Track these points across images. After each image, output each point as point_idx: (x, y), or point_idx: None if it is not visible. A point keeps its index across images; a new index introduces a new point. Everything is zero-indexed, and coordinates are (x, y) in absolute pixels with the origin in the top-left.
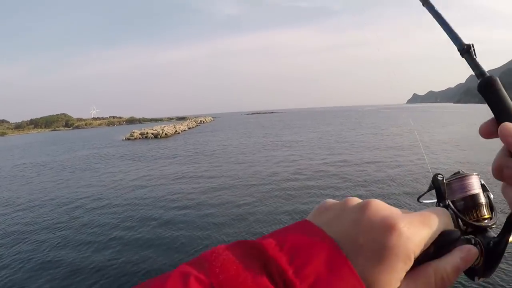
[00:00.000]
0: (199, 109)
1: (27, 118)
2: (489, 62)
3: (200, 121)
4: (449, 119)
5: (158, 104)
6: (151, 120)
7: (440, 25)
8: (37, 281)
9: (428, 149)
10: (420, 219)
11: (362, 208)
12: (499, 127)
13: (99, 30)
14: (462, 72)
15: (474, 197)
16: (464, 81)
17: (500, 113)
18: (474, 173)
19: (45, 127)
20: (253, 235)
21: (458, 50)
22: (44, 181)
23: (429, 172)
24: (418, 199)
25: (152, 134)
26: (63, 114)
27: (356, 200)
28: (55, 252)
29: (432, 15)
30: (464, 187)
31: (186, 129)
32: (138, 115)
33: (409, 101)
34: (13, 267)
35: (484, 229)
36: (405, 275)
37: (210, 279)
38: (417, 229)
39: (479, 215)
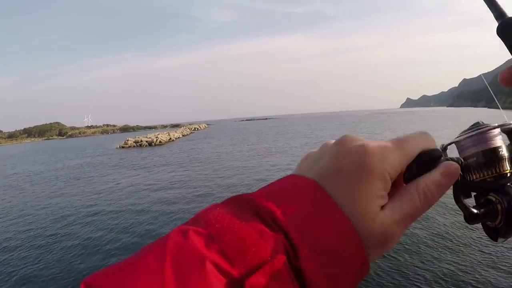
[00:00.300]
0: (193, 116)
1: (20, 127)
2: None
3: (195, 128)
4: (442, 123)
5: (152, 111)
6: (145, 127)
7: None
8: None
9: None
10: (393, 142)
11: (337, 143)
12: None
13: (93, 37)
14: (455, 76)
15: (494, 150)
16: (457, 85)
17: None
18: (494, 124)
19: (38, 136)
20: None
21: None
22: (38, 191)
23: None
24: (443, 152)
25: (146, 142)
26: (56, 123)
27: (331, 141)
28: (45, 261)
29: None
30: (480, 141)
31: (181, 136)
32: (132, 123)
33: (403, 106)
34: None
35: (503, 186)
36: (392, 197)
37: (207, 230)
38: (390, 150)
39: (501, 170)
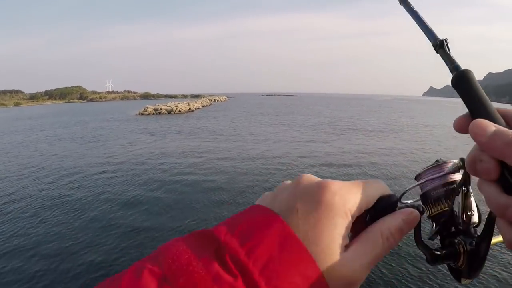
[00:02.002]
0: (214, 88)
1: (42, 89)
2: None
3: (215, 99)
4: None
5: (173, 81)
6: (166, 96)
7: (415, 21)
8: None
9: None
10: (354, 184)
11: (297, 180)
12: (470, 125)
13: (119, 3)
14: (480, 69)
15: (452, 187)
16: (482, 78)
17: (474, 108)
18: (452, 161)
19: (59, 98)
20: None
21: (433, 45)
22: (55, 152)
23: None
24: (399, 199)
25: (165, 110)
26: (78, 86)
27: (288, 181)
28: (55, 218)
29: (408, 11)
30: (443, 176)
31: (200, 107)
32: (153, 91)
33: (425, 94)
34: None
35: (466, 229)
36: (354, 240)
37: (163, 270)
38: (349, 189)
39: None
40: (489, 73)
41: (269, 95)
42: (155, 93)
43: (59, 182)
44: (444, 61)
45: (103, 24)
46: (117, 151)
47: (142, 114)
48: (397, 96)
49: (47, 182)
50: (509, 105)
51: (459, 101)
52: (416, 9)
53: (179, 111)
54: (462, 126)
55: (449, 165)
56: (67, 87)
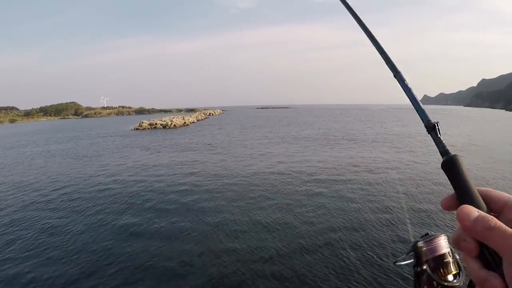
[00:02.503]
0: (208, 102)
1: (36, 105)
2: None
3: (210, 113)
4: (460, 122)
5: (168, 95)
6: (160, 111)
7: (410, 100)
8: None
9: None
10: None
11: None
12: (457, 210)
13: (112, 19)
14: (474, 76)
15: (442, 256)
16: (475, 85)
17: (459, 192)
18: (442, 234)
19: (54, 115)
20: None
21: (425, 126)
22: (50, 167)
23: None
24: (394, 263)
25: (160, 125)
26: (72, 102)
27: None
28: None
29: (402, 87)
30: (433, 248)
31: (195, 121)
32: (147, 106)
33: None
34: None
35: None
36: None
37: None
38: None
39: (447, 272)
40: (483, 79)
41: (264, 108)
42: (150, 108)
43: (52, 195)
44: (435, 143)
45: (97, 38)
46: (111, 165)
47: (137, 129)
48: (391, 105)
49: (41, 195)
50: (503, 110)
51: (451, 108)
52: (409, 85)
53: (174, 125)
54: (448, 206)
55: (442, 238)
56: (61, 103)
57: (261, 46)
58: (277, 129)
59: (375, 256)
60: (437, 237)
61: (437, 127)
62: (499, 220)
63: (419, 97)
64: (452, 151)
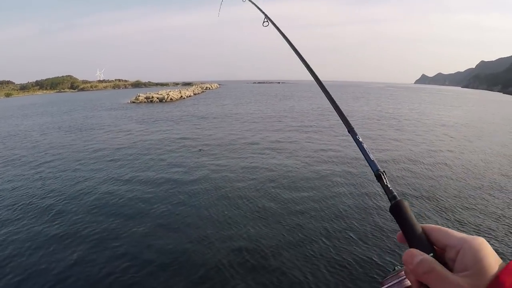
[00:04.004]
0: (205, 76)
1: (32, 79)
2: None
3: (206, 87)
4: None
5: (164, 69)
6: (157, 84)
7: (362, 153)
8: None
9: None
10: None
11: None
12: (403, 254)
13: None
14: (473, 58)
15: None
16: (474, 67)
17: (406, 235)
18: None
19: (50, 88)
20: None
21: (375, 175)
22: (48, 140)
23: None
24: None
25: (157, 98)
26: (68, 76)
27: None
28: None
29: (355, 141)
30: (400, 282)
31: (192, 94)
32: (144, 79)
33: (417, 81)
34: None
35: None
36: None
37: None
38: None
39: None
40: (482, 61)
41: (260, 83)
42: (147, 81)
43: (51, 168)
44: (384, 189)
45: (96, 10)
46: (107, 137)
47: (134, 102)
48: (390, 83)
49: (40, 170)
50: (501, 93)
51: (450, 88)
52: (361, 139)
53: (171, 99)
54: (402, 241)
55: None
56: (57, 77)
57: (259, 20)
58: (272, 103)
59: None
60: (401, 271)
61: (383, 176)
62: (445, 256)
63: (417, 76)
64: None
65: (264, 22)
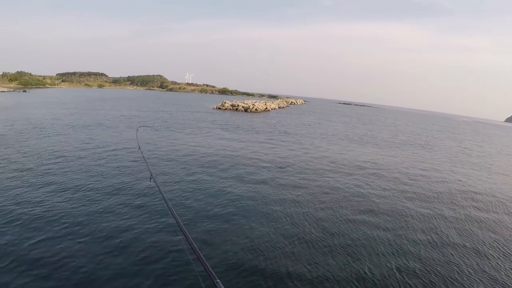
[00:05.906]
0: (290, 91)
1: (124, 75)
2: None
3: (291, 102)
4: None
5: (251, 79)
6: (243, 93)
7: (199, 259)
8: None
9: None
10: None
11: None
12: None
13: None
14: None
15: None
16: None
17: None
18: None
19: (140, 85)
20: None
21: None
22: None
23: None
24: None
25: (242, 107)
26: (159, 75)
27: None
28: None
29: (195, 252)
30: None
31: (277, 107)
32: (231, 87)
33: (508, 120)
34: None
35: None
36: None
37: None
38: None
39: None
40: None
41: (346, 103)
42: (233, 89)
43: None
44: None
45: (186, 18)
46: (191, 139)
47: (219, 108)
48: (475, 118)
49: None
50: None
51: None
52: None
53: (256, 109)
54: None
55: None
56: (148, 75)
57: (346, 40)
58: (359, 126)
59: None
60: None
61: (218, 281)
62: None
63: (508, 114)
64: None
65: None
